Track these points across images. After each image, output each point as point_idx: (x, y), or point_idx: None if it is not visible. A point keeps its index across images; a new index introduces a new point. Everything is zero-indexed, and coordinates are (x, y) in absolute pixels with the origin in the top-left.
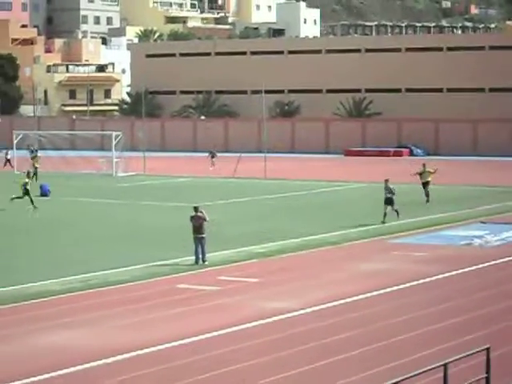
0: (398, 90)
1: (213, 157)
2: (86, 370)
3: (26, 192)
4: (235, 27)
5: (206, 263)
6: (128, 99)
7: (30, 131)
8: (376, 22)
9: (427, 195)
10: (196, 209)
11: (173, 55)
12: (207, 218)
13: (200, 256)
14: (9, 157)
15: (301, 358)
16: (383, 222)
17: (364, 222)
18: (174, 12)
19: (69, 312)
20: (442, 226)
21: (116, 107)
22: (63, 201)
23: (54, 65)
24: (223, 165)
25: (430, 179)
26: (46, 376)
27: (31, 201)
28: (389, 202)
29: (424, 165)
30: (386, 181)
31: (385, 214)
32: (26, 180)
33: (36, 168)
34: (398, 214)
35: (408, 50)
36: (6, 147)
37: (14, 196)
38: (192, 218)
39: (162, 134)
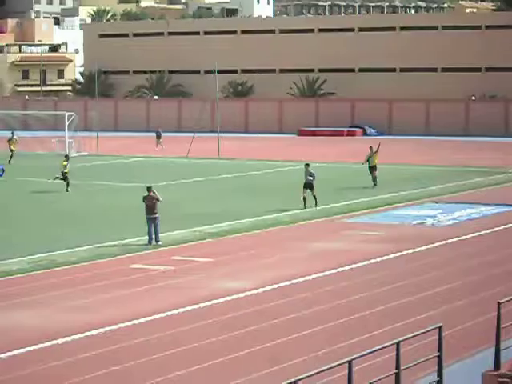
0: (352, 70)
1: (158, 137)
2: (35, 351)
3: (65, 175)
4: (188, 7)
5: (160, 243)
6: (81, 79)
7: None
8: (329, 2)
9: (374, 179)
10: (149, 189)
11: (126, 35)
12: (160, 198)
13: (153, 236)
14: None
15: (252, 338)
16: (305, 207)
17: (320, 201)
18: None
19: (17, 293)
20: (394, 206)
21: (69, 87)
22: (16, 181)
23: (6, 45)
24: (176, 145)
25: (376, 162)
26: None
27: (67, 184)
28: (309, 186)
29: (371, 147)
30: (307, 165)
31: (304, 199)
32: (65, 163)
33: (12, 151)
34: (316, 200)
35: (361, 29)
36: None
37: (57, 176)
38: (145, 198)
39: (115, 114)
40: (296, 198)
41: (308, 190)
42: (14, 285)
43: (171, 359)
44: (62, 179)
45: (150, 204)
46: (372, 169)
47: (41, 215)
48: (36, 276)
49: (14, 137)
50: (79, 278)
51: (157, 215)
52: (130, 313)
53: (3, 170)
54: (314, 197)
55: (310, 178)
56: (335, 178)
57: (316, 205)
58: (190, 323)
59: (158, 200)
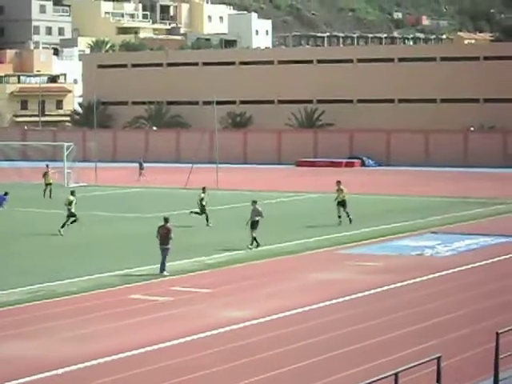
0: (350, 101)
1: (141, 168)
2: (37, 381)
3: (203, 208)
4: (187, 38)
5: (165, 274)
6: (80, 110)
7: None
8: (328, 33)
9: (348, 215)
10: (166, 220)
11: (124, 66)
12: (172, 234)
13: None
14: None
15: (251, 368)
16: (251, 247)
17: (316, 232)
18: (126, 23)
19: (16, 323)
20: (393, 237)
21: (68, 118)
22: (16, 211)
23: (5, 75)
24: (175, 176)
25: (346, 197)
26: None
27: (206, 218)
28: (255, 225)
29: (339, 182)
30: (254, 202)
31: (254, 239)
32: (202, 195)
33: (48, 184)
34: (257, 243)
35: (360, 60)
36: None
37: (192, 211)
38: (160, 227)
39: (113, 145)
40: (293, 228)
41: (254, 230)
42: (13, 315)
43: None
44: (199, 214)
45: (163, 234)
46: (341, 203)
47: (40, 246)
48: (35, 306)
49: (49, 169)
50: (79, 308)
51: (168, 246)
52: (130, 343)
53: (6, 201)
54: (255, 239)
55: (257, 216)
56: (334, 209)
57: (258, 246)
58: (192, 353)
59: (169, 232)
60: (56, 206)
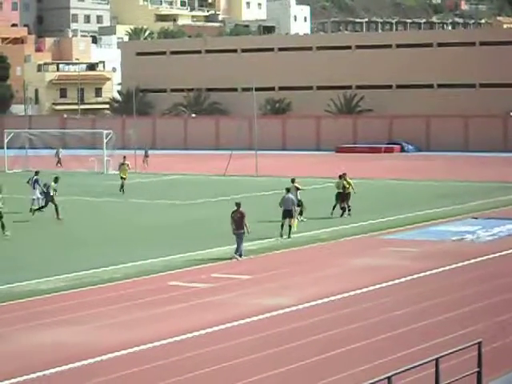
0: (389, 87)
1: (146, 156)
2: (78, 368)
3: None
4: (225, 25)
5: (239, 259)
6: (119, 98)
7: (21, 130)
8: (366, 19)
9: (343, 209)
10: (238, 204)
11: (163, 53)
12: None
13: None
14: (60, 156)
15: (294, 354)
16: (284, 237)
17: (358, 218)
18: (164, 10)
19: (61, 310)
20: (433, 222)
21: (107, 106)
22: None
23: (44, 64)
24: (214, 162)
25: (349, 191)
26: (38, 374)
27: None
28: (286, 214)
29: (343, 175)
30: (288, 190)
31: (281, 226)
32: None
33: (123, 178)
34: (288, 232)
35: (398, 46)
36: None
37: None
38: (233, 212)
39: (153, 132)
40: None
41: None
42: (57, 302)
43: (213, 376)
44: None
45: (238, 219)
46: (343, 196)
47: (85, 233)
48: (79, 293)
49: (126, 162)
50: (122, 295)
51: (242, 231)
52: (172, 330)
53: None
54: (290, 226)
55: (291, 206)
56: (374, 195)
57: (288, 235)
58: (232, 340)
59: (244, 217)
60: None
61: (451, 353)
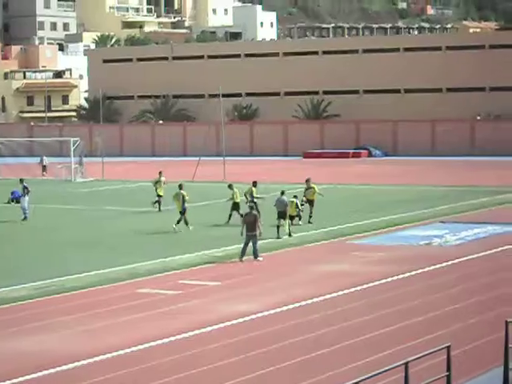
0: (356, 92)
1: (81, 164)
2: (47, 376)
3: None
4: (192, 31)
5: (260, 259)
6: (86, 105)
7: None
8: (333, 24)
9: (310, 215)
10: (251, 208)
11: (130, 60)
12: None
13: (245, 253)
14: (44, 163)
15: (263, 359)
16: (280, 237)
17: (326, 223)
18: (131, 17)
19: (28, 318)
20: (401, 227)
21: (74, 113)
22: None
23: (11, 71)
24: (182, 169)
25: (314, 197)
26: (10, 382)
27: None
28: (281, 215)
29: (307, 180)
30: (282, 193)
31: (277, 227)
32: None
33: (160, 196)
34: (286, 232)
35: (365, 51)
36: None
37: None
38: (245, 215)
39: (120, 139)
40: (304, 220)
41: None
42: (23, 310)
43: (184, 382)
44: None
45: (250, 222)
46: (309, 202)
47: (48, 241)
48: (45, 301)
49: (162, 178)
50: (87, 302)
51: (255, 233)
52: (140, 337)
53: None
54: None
55: (285, 207)
56: (341, 200)
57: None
58: (201, 346)
59: (257, 219)
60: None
61: (420, 357)
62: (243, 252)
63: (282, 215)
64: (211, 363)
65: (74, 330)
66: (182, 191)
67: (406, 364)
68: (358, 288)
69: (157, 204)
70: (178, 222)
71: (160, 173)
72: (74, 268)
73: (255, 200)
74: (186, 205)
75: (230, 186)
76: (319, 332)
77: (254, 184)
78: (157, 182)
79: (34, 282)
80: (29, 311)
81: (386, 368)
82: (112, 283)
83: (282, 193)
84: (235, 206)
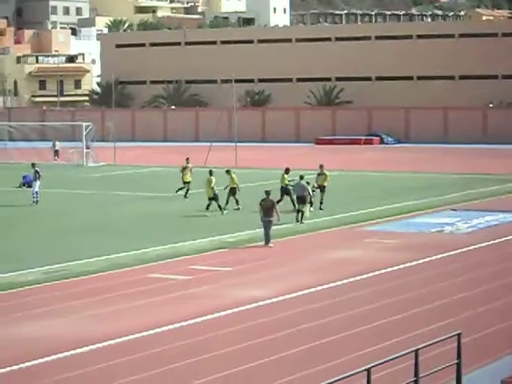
0: (369, 79)
1: (88, 148)
2: (56, 361)
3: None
4: (205, 17)
5: (271, 245)
6: (98, 90)
7: (0, 122)
8: (346, 11)
9: (321, 201)
10: (268, 193)
11: (143, 45)
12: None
13: (269, 237)
14: (57, 148)
15: (275, 345)
16: (302, 222)
17: (338, 210)
18: (144, 2)
19: (37, 303)
20: (413, 214)
21: (86, 98)
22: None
23: (23, 56)
24: (194, 154)
25: (326, 183)
26: (18, 366)
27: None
28: (301, 200)
29: (321, 166)
30: (301, 177)
31: (298, 211)
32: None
33: (187, 183)
34: (301, 217)
35: (378, 38)
36: None
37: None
38: (262, 200)
39: (132, 124)
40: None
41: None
42: (31, 295)
43: (194, 367)
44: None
45: (267, 207)
46: (320, 188)
47: (58, 226)
48: (54, 286)
49: (189, 164)
50: (98, 287)
51: (272, 218)
52: (151, 322)
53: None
54: (299, 211)
55: (304, 192)
56: (353, 187)
57: (301, 220)
58: (211, 332)
59: (274, 205)
60: None
61: (430, 344)
62: (267, 237)
63: (302, 200)
64: (220, 349)
65: (82, 314)
66: (211, 177)
67: (416, 351)
68: (369, 275)
69: (182, 190)
70: (207, 208)
71: (187, 159)
72: (84, 253)
73: (288, 186)
74: (216, 191)
75: (227, 172)
76: (328, 319)
77: (287, 171)
78: (184, 169)
79: (42, 266)
80: (37, 296)
81: (396, 355)
82: (122, 268)
83: (301, 177)
84: (232, 191)
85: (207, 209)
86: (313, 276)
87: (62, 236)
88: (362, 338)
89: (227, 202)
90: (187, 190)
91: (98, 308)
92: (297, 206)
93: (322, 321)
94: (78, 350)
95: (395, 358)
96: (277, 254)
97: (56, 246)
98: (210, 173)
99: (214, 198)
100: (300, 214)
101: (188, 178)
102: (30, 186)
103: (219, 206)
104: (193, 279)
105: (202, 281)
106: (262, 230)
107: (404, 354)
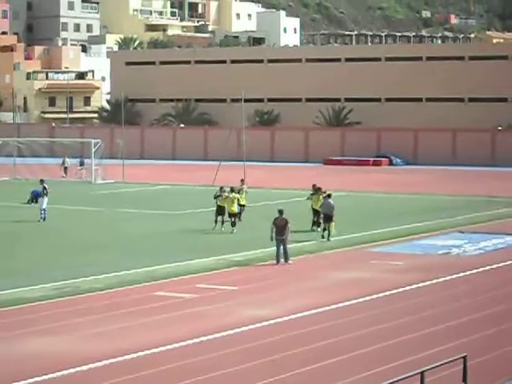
0: (378, 100)
1: (81, 164)
2: (60, 378)
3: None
4: (215, 35)
5: (290, 262)
6: (107, 107)
7: (9, 138)
8: (356, 32)
9: (319, 226)
10: (281, 212)
11: (153, 63)
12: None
13: (281, 257)
14: (66, 165)
15: (270, 368)
16: (326, 239)
17: (344, 231)
18: (154, 20)
19: (43, 319)
20: (420, 236)
21: (95, 115)
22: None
23: (33, 72)
24: (202, 173)
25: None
26: (19, 383)
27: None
28: (328, 219)
29: (314, 186)
30: (328, 196)
31: (324, 229)
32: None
33: (242, 206)
34: (328, 234)
35: (388, 59)
36: None
37: None
38: (276, 219)
39: (141, 142)
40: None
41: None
42: (38, 311)
43: None
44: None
45: (281, 226)
46: (316, 211)
47: (65, 242)
48: (61, 303)
49: (244, 186)
50: (104, 305)
51: (284, 237)
52: (156, 340)
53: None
54: (324, 229)
55: (331, 211)
56: (360, 208)
57: (328, 237)
58: (213, 352)
59: (288, 223)
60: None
61: (436, 366)
62: (278, 256)
63: (329, 218)
64: (226, 368)
65: (87, 332)
66: (234, 194)
67: (422, 373)
68: (375, 296)
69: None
70: (233, 225)
71: (242, 181)
72: (91, 270)
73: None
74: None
75: (221, 189)
76: (334, 339)
77: (315, 188)
78: (239, 191)
79: (49, 283)
80: (43, 312)
81: (402, 377)
82: (129, 285)
83: (329, 196)
84: (220, 210)
85: (233, 225)
86: (319, 296)
87: (70, 253)
88: (368, 359)
89: (216, 223)
90: (240, 213)
91: (103, 325)
92: (322, 224)
93: (329, 341)
94: (83, 367)
95: (401, 379)
96: (284, 273)
97: (63, 262)
98: (232, 190)
99: (239, 213)
100: (327, 232)
101: (243, 200)
102: (37, 200)
103: (234, 223)
104: (199, 298)
105: (209, 299)
106: (274, 248)
107: (409, 376)
